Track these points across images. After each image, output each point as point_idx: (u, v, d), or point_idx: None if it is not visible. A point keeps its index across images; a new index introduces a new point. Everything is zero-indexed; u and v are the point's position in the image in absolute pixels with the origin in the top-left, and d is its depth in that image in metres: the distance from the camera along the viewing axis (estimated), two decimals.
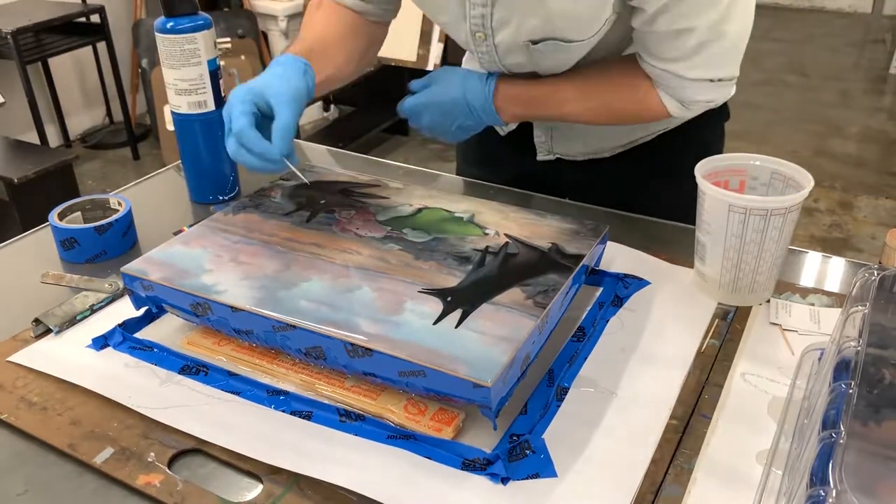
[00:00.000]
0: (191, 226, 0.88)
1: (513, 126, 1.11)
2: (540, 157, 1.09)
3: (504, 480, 0.61)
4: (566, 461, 0.63)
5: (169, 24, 0.95)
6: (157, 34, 0.96)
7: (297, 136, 2.36)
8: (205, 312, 0.71)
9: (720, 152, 1.05)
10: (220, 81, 1.01)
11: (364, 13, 0.98)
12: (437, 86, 0.96)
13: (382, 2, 0.98)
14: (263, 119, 0.81)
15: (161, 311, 0.81)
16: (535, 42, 0.86)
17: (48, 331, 0.79)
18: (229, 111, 0.80)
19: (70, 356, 0.75)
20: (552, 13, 0.82)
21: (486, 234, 0.80)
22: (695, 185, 0.80)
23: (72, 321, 0.80)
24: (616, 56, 0.94)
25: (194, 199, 1.07)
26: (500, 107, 0.94)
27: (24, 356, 0.75)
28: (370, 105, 3.61)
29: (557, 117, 0.96)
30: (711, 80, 0.85)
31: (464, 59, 1.17)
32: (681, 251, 0.90)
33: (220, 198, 1.07)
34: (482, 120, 0.96)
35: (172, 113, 1.02)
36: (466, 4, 0.87)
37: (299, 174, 0.80)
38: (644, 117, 0.94)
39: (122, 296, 0.84)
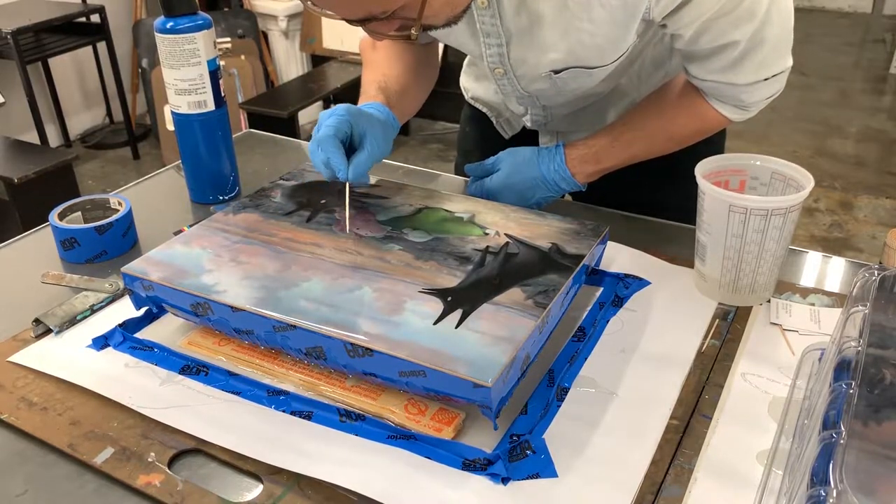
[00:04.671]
0: (191, 226, 0.88)
1: (517, 128, 1.12)
2: None
3: (504, 480, 0.61)
4: (566, 461, 0.63)
5: (169, 24, 0.95)
6: (156, 34, 0.96)
7: (299, 137, 2.35)
8: (205, 312, 0.71)
9: (722, 149, 1.05)
10: (220, 81, 1.01)
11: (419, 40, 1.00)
12: (507, 169, 0.96)
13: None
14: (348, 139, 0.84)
15: (161, 311, 0.81)
16: (557, 71, 0.87)
17: (48, 331, 0.79)
18: (327, 115, 0.83)
19: (70, 356, 0.75)
20: (571, 47, 0.82)
21: (487, 234, 0.80)
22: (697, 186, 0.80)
23: (72, 321, 0.80)
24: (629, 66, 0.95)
25: (194, 199, 1.07)
26: (574, 172, 0.94)
27: (24, 356, 0.75)
28: None
29: (628, 160, 0.95)
30: (766, 79, 0.84)
31: (465, 63, 1.17)
32: (681, 251, 0.90)
33: (221, 198, 1.07)
34: (561, 188, 0.96)
35: (172, 113, 1.02)
36: (482, 45, 0.87)
37: (347, 203, 0.82)
38: (707, 130, 0.93)
39: (122, 296, 0.84)
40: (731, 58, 0.81)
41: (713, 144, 0.99)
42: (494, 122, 1.14)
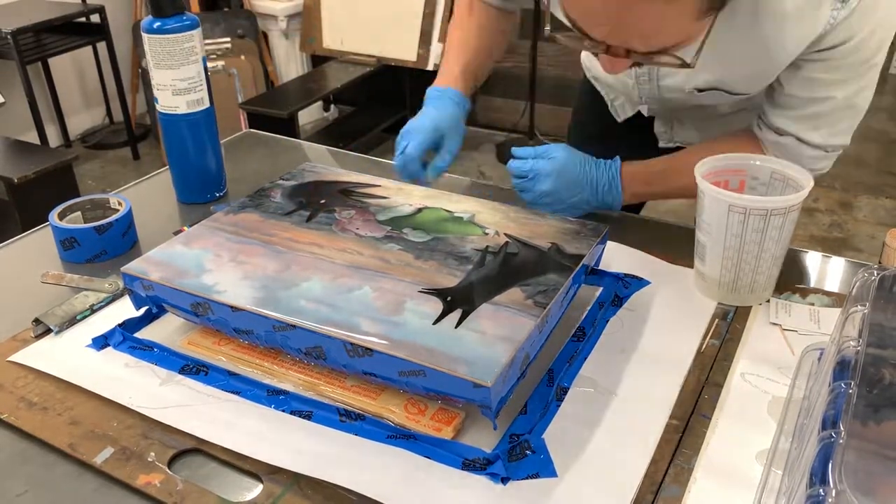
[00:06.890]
0: (191, 226, 0.88)
1: (630, 112, 1.14)
2: (662, 145, 1.14)
3: (504, 480, 0.61)
4: (566, 461, 0.63)
5: (168, 25, 0.95)
6: (150, 36, 0.95)
7: (299, 137, 2.37)
8: (205, 312, 0.71)
9: None
10: (208, 77, 1.01)
11: (505, 8, 1.09)
12: (560, 157, 0.94)
13: None
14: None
15: (161, 311, 0.81)
16: (700, 90, 0.91)
17: (48, 331, 0.79)
18: (409, 133, 0.97)
19: (70, 356, 0.75)
20: (725, 70, 0.86)
21: (486, 234, 0.80)
22: None
23: (72, 321, 0.80)
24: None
25: (182, 199, 1.07)
26: (624, 185, 0.96)
27: (24, 356, 0.75)
28: (370, 105, 3.60)
29: (674, 191, 0.97)
30: (826, 151, 0.88)
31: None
32: (681, 251, 0.90)
33: (211, 196, 1.06)
34: (602, 198, 0.96)
35: (163, 115, 1.00)
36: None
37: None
38: None
39: (122, 296, 0.84)
40: (819, 111, 0.85)
41: None
42: (609, 105, 1.17)
